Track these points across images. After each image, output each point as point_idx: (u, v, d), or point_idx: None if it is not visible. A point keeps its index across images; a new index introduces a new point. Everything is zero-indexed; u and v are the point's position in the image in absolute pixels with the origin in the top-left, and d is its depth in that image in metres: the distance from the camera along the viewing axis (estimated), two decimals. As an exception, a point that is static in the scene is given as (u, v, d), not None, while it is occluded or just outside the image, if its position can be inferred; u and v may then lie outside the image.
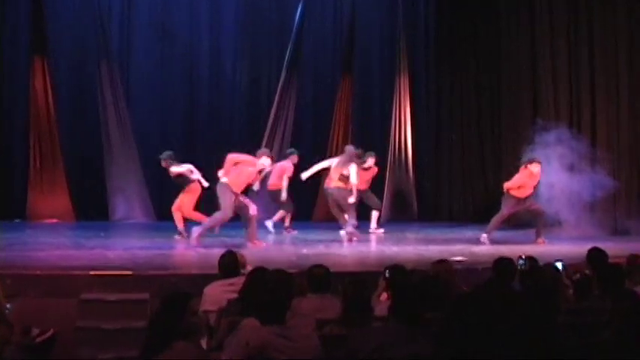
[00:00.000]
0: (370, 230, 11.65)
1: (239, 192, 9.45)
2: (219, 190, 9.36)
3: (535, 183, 10.01)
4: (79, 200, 13.39)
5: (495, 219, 10.11)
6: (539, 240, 9.97)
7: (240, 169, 9.45)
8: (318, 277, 5.01)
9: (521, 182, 9.94)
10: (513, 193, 9.99)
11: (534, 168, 9.92)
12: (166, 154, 10.77)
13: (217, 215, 9.31)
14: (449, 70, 14.69)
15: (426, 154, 14.75)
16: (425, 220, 13.90)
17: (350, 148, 11.02)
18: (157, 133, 14.59)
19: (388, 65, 15.17)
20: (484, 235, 10.05)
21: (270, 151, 13.19)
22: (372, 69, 15.43)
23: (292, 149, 12.09)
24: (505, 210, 10.05)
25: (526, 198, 10.00)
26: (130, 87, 14.39)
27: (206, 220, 9.64)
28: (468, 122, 14.46)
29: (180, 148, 14.66)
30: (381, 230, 11.78)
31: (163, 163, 10.61)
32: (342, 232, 10.65)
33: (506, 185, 10.04)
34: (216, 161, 14.50)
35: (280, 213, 11.76)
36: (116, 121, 13.55)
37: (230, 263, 5.59)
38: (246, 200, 9.47)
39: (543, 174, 10.11)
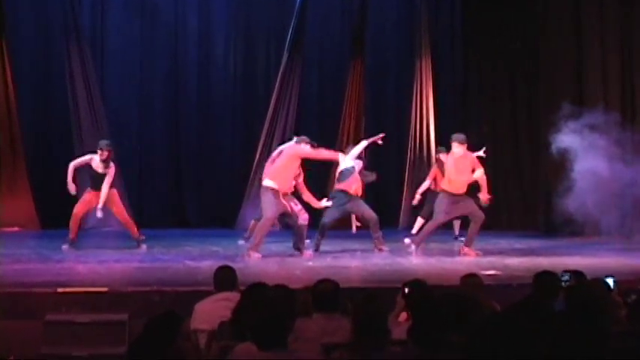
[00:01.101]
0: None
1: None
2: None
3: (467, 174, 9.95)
4: (45, 205, 13.41)
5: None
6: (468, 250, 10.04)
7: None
8: (325, 293, 5.00)
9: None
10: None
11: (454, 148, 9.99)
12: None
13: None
14: (478, 53, 14.68)
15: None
16: (450, 227, 13.90)
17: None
18: (136, 125, 14.65)
19: (406, 46, 15.17)
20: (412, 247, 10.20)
21: (270, 147, 13.25)
22: (388, 51, 15.44)
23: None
24: (436, 216, 10.21)
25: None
26: (104, 72, 14.44)
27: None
28: (501, 112, 14.45)
29: (164, 143, 14.79)
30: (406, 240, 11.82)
31: (106, 154, 10.44)
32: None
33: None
34: (203, 159, 14.75)
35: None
36: (89, 113, 13.56)
37: (227, 279, 5.60)
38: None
39: (586, 166, 10.19)
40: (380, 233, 10.49)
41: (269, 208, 9.64)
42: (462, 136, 10.09)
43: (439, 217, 10.15)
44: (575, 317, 4.52)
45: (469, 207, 10.08)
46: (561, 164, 10.83)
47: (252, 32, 15.13)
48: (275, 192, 9.62)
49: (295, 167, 9.82)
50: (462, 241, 11.75)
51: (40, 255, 9.71)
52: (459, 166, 9.99)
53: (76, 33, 13.56)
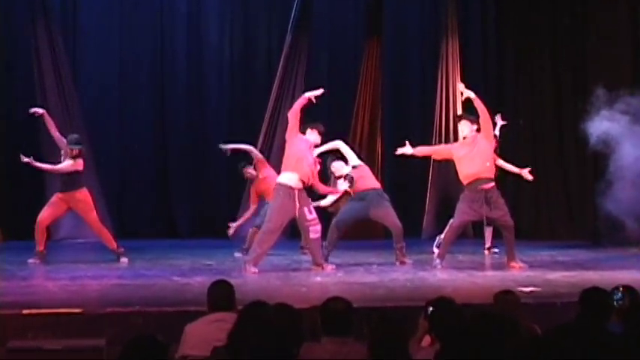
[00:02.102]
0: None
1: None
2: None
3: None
4: (8, 214, 13.46)
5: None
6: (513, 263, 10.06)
7: None
8: (336, 314, 4.99)
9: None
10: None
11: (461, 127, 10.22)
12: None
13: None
14: (515, 33, 14.67)
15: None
16: (482, 236, 13.88)
17: None
18: (115, 119, 14.66)
19: (430, 25, 15.20)
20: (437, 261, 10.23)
21: (271, 144, 13.26)
22: (409, 30, 15.47)
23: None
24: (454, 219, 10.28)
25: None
26: (77, 58, 14.47)
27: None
28: (541, 103, 14.42)
29: (148, 140, 14.81)
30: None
31: (76, 152, 10.51)
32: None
33: None
34: (195, 159, 14.76)
35: None
36: (59, 106, 13.58)
37: (222, 297, 5.58)
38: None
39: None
40: (403, 244, 10.52)
41: (274, 215, 9.64)
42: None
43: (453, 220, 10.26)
44: (631, 341, 4.50)
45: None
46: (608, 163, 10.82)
47: (251, 10, 15.17)
48: (288, 190, 9.65)
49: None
50: (496, 252, 11.75)
51: (2, 271, 9.70)
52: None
53: (44, 11, 13.60)
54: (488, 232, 12.10)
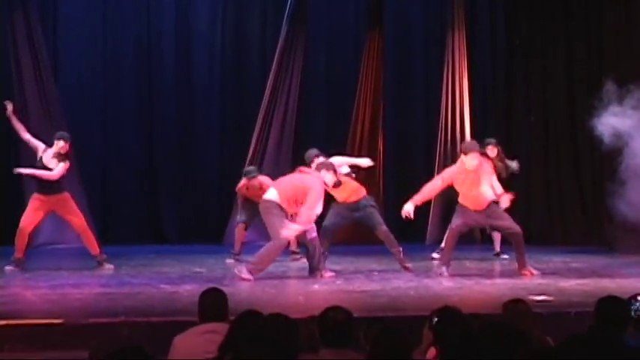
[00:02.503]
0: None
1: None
2: None
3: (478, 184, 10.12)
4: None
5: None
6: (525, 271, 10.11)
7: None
8: (336, 324, 4.99)
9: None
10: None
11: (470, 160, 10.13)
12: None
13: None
14: (525, 26, 14.67)
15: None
16: (491, 242, 13.91)
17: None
18: (98, 117, 14.63)
19: (435, 17, 15.21)
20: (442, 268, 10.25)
21: (265, 142, 13.30)
22: (412, 23, 15.47)
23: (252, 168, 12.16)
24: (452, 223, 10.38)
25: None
26: (58, 50, 14.44)
27: None
28: (555, 99, 14.42)
29: (133, 137, 14.77)
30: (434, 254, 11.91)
31: (67, 147, 10.55)
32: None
33: None
34: (183, 158, 14.72)
35: None
36: (38, 102, 13.56)
37: (215, 306, 5.58)
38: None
39: None
40: (400, 248, 10.58)
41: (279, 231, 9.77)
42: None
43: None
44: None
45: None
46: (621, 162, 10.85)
47: (243, 1, 15.12)
48: (277, 204, 9.84)
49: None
50: (505, 258, 11.77)
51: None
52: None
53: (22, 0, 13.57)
54: (496, 236, 12.13)
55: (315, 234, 9.99)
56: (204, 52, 15.05)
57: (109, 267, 10.53)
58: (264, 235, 12.22)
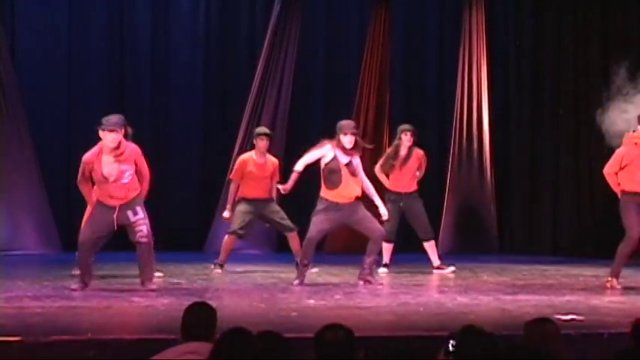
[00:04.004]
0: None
1: None
2: None
3: None
4: None
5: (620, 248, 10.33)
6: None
7: None
8: (335, 345, 4.99)
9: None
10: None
11: None
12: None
13: None
14: (554, 5, 14.67)
15: (513, 138, 14.76)
16: (512, 251, 13.97)
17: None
18: (62, 112, 14.59)
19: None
20: (612, 279, 10.18)
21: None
22: (424, -3, 15.49)
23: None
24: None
25: None
26: (16, 37, 14.39)
27: None
28: (586, 88, 14.44)
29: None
30: (450, 268, 11.92)
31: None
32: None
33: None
34: (160, 154, 14.68)
35: None
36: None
37: (201, 323, 5.58)
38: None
39: None
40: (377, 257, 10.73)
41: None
42: None
43: None
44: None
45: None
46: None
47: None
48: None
49: None
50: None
51: None
52: None
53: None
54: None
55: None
56: (185, 32, 15.01)
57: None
58: (253, 241, 12.29)
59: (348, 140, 10.25)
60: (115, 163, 9.54)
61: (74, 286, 9.49)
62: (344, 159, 10.26)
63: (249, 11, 15.13)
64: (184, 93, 14.96)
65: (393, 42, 14.74)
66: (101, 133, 9.59)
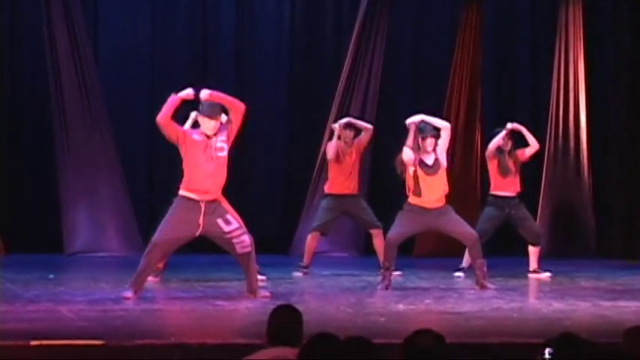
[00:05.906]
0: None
1: None
2: None
3: None
4: (11, 222, 13.66)
5: None
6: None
7: None
8: (424, 351, 4.95)
9: None
10: None
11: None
12: None
13: None
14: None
15: (611, 138, 14.64)
16: (611, 256, 13.83)
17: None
18: (144, 110, 14.68)
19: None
20: None
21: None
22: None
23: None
24: None
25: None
26: (98, 29, 14.54)
27: None
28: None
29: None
30: (546, 274, 11.83)
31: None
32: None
33: None
34: (248, 155, 14.72)
35: None
36: (78, 91, 13.71)
37: (288, 327, 5.57)
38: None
39: None
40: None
41: None
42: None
43: None
44: None
45: None
46: None
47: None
48: None
49: None
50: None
51: (6, 291, 9.85)
52: None
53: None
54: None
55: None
56: (270, 32, 15.03)
57: (155, 280, 10.51)
58: (339, 243, 12.26)
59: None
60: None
61: (127, 294, 9.21)
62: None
63: (336, 5, 15.13)
64: (268, 92, 14.98)
65: (484, 40, 14.61)
66: (200, 119, 9.80)
